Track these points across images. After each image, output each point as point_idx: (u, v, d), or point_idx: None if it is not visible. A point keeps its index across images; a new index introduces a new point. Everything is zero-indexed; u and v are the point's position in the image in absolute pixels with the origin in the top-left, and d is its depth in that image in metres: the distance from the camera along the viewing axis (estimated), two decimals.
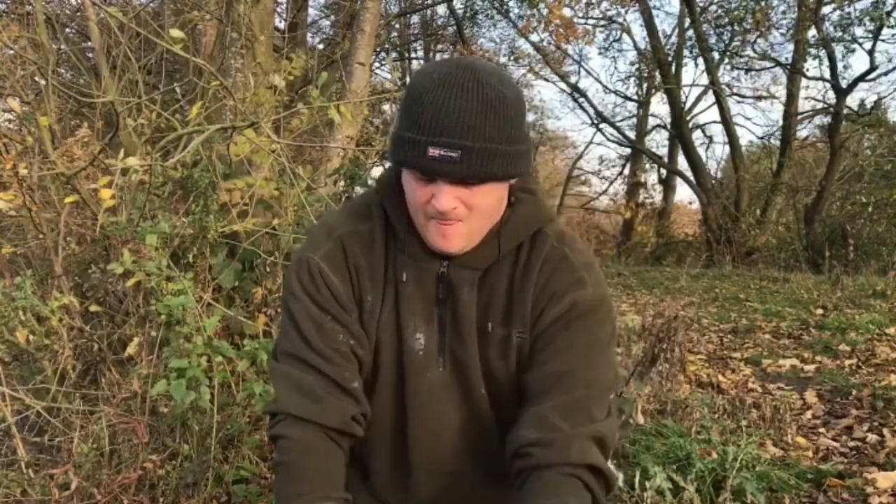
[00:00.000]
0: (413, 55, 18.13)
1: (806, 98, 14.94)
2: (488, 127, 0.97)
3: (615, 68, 37.60)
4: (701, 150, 16.30)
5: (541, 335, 1.13)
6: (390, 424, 1.20)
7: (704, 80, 15.96)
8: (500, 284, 1.14)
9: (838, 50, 12.54)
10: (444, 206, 1.01)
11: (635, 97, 18.60)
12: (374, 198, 1.19)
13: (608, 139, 22.23)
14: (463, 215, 1.04)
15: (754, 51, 13.94)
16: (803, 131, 15.90)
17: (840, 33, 12.21)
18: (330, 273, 1.13)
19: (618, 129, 18.26)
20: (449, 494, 1.22)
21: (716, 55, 14.16)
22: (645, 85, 17.69)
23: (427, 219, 1.06)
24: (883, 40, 13.61)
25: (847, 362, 4.41)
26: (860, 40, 12.33)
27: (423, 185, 1.02)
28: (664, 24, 32.33)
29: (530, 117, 19.95)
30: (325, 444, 1.10)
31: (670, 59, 15.06)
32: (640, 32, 21.76)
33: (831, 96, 13.61)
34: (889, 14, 11.43)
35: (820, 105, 14.84)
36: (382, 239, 1.16)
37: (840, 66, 12.62)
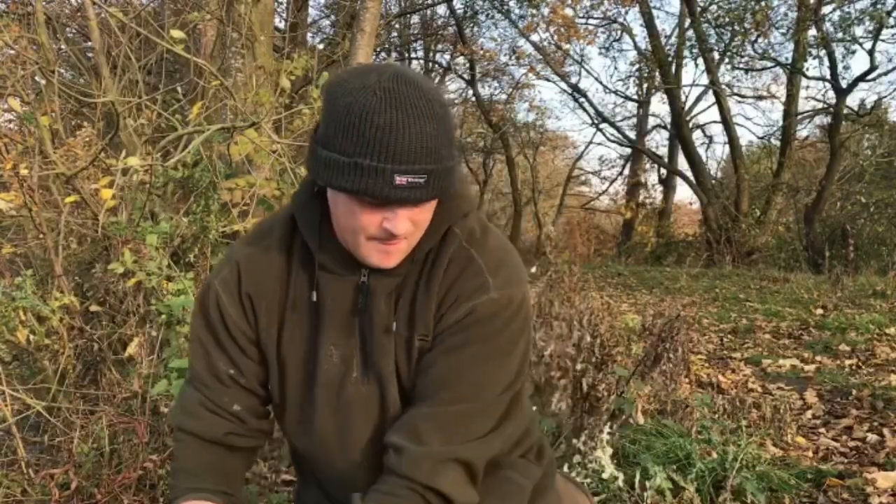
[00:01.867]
0: (413, 55, 18.15)
1: (806, 98, 14.97)
2: (443, 146, 0.95)
3: (615, 68, 37.77)
4: (701, 150, 16.34)
5: (436, 339, 1.09)
6: (311, 440, 1.18)
7: (704, 80, 15.99)
8: (408, 287, 1.11)
9: (838, 50, 12.57)
10: (401, 230, 0.98)
11: (635, 97, 18.60)
12: (283, 214, 1.17)
13: (608, 139, 22.21)
14: (410, 233, 1.02)
15: (754, 51, 13.95)
16: (803, 131, 15.94)
17: (840, 33, 12.23)
18: (225, 299, 1.14)
19: (618, 129, 18.25)
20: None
21: (716, 55, 14.17)
22: (645, 85, 17.68)
23: (367, 239, 1.01)
24: (883, 40, 13.62)
25: (847, 362, 4.41)
26: (860, 40, 12.36)
27: (371, 209, 0.97)
28: (664, 24, 32.45)
29: (530, 118, 19.98)
30: (203, 447, 1.18)
31: (670, 59, 15.06)
32: (640, 32, 21.75)
33: (831, 96, 13.64)
34: (889, 14, 11.44)
35: (820, 105, 14.87)
36: (284, 256, 1.13)
37: (840, 66, 12.65)
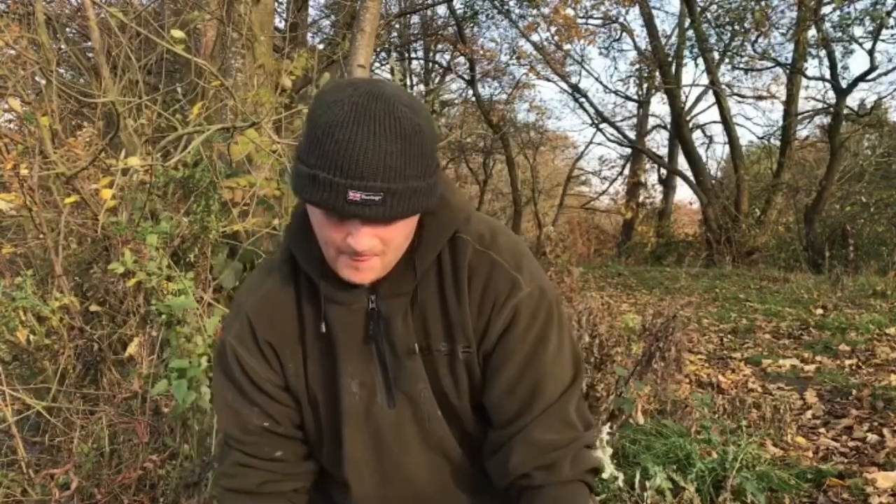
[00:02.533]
0: (413, 55, 18.15)
1: (806, 98, 14.98)
2: (409, 165, 0.92)
3: (615, 68, 37.88)
4: (701, 150, 16.34)
5: (494, 352, 1.10)
6: (346, 472, 1.17)
7: (704, 80, 16.02)
8: (431, 300, 1.10)
9: (838, 50, 12.56)
10: (363, 247, 0.96)
11: (635, 97, 18.62)
12: (282, 250, 1.16)
13: (608, 139, 22.33)
14: (379, 251, 0.99)
15: (754, 51, 13.95)
16: (803, 131, 15.93)
17: (840, 33, 12.23)
18: (244, 353, 1.12)
19: (618, 129, 18.28)
20: None
21: (716, 55, 14.17)
22: (645, 85, 17.70)
23: (338, 253, 1.00)
24: (883, 40, 13.65)
25: (847, 362, 4.41)
26: (860, 40, 12.36)
27: (336, 223, 0.96)
28: (664, 24, 32.45)
29: (531, 118, 19.97)
30: (242, 499, 1.17)
31: (670, 59, 15.06)
32: (640, 32, 21.78)
33: (831, 96, 13.64)
34: (889, 14, 11.44)
35: (820, 105, 14.88)
36: (292, 293, 1.13)
37: (840, 66, 12.65)
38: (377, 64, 15.28)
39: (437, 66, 18.78)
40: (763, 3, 12.61)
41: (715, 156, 28.93)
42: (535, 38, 15.57)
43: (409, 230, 1.03)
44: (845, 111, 13.01)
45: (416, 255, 1.07)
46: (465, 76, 17.97)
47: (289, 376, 1.14)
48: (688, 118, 16.21)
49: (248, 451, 1.16)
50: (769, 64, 14.55)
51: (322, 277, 1.08)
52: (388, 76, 15.99)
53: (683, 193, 36.51)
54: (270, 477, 1.17)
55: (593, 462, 1.12)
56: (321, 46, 10.77)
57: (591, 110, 17.34)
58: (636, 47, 16.83)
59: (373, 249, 0.98)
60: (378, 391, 1.12)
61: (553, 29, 14.77)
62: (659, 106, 37.71)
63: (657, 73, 15.41)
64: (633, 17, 31.94)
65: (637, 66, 16.96)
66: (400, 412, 1.13)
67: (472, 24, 16.41)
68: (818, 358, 4.59)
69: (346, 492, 1.19)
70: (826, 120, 14.65)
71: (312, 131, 0.93)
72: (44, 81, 3.26)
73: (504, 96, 18.90)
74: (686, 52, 14.63)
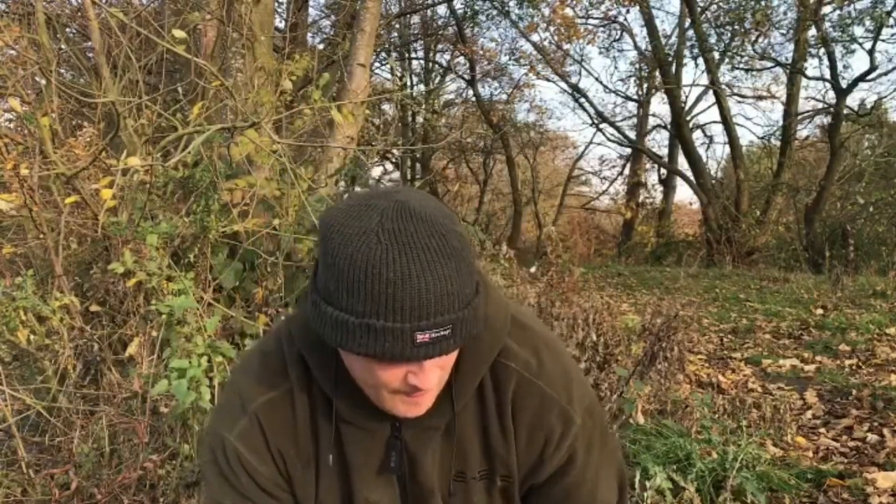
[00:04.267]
0: (413, 55, 18.16)
1: (806, 98, 14.98)
2: (466, 283, 0.81)
3: (615, 68, 37.89)
4: (701, 150, 16.34)
5: (549, 482, 1.06)
6: None
7: (704, 80, 16.01)
8: (469, 429, 1.01)
9: (838, 50, 12.57)
10: (431, 384, 0.86)
11: (635, 97, 18.62)
12: (290, 349, 1.00)
13: (608, 139, 22.33)
14: (439, 378, 0.91)
15: (754, 51, 13.96)
16: (803, 131, 15.94)
17: (840, 33, 12.23)
18: (249, 456, 0.99)
19: (618, 129, 18.27)
20: None
21: (716, 55, 14.18)
22: (645, 85, 17.70)
23: (391, 393, 0.89)
24: (883, 40, 13.64)
25: (847, 362, 4.41)
26: (860, 40, 12.36)
27: (391, 366, 0.85)
28: (664, 24, 32.46)
29: (531, 118, 19.98)
30: None
31: (670, 59, 15.07)
32: (640, 32, 21.78)
33: (831, 96, 13.65)
34: (889, 14, 11.45)
35: (820, 105, 14.89)
36: (305, 402, 1.00)
37: (840, 66, 12.66)
38: (377, 64, 15.30)
39: (437, 66, 18.80)
40: (763, 3, 12.61)
41: (715, 156, 28.97)
42: (535, 37, 15.59)
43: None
44: (845, 111, 13.02)
45: (456, 387, 0.97)
46: (465, 76, 17.99)
47: (295, 487, 1.04)
48: (688, 118, 16.21)
49: None
50: (769, 64, 14.59)
51: (336, 396, 0.97)
52: (388, 76, 16.00)
53: (683, 193, 36.50)
54: None
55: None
56: (321, 46, 10.77)
57: (591, 110, 17.33)
58: (636, 47, 16.86)
59: (439, 380, 0.90)
60: None
61: (553, 29, 14.79)
62: (659, 106, 37.79)
63: (657, 73, 15.41)
64: (634, 17, 31.99)
65: (637, 66, 16.99)
66: None
67: (472, 24, 16.41)
68: (818, 358, 4.59)
69: None
70: (826, 120, 14.67)
71: (348, 273, 0.79)
72: (44, 81, 3.26)
73: (504, 96, 18.93)
74: (686, 52, 14.64)
